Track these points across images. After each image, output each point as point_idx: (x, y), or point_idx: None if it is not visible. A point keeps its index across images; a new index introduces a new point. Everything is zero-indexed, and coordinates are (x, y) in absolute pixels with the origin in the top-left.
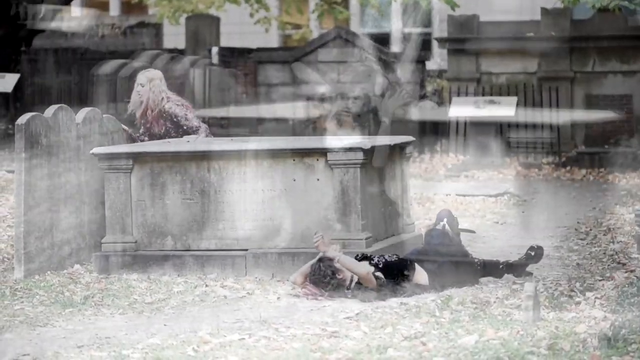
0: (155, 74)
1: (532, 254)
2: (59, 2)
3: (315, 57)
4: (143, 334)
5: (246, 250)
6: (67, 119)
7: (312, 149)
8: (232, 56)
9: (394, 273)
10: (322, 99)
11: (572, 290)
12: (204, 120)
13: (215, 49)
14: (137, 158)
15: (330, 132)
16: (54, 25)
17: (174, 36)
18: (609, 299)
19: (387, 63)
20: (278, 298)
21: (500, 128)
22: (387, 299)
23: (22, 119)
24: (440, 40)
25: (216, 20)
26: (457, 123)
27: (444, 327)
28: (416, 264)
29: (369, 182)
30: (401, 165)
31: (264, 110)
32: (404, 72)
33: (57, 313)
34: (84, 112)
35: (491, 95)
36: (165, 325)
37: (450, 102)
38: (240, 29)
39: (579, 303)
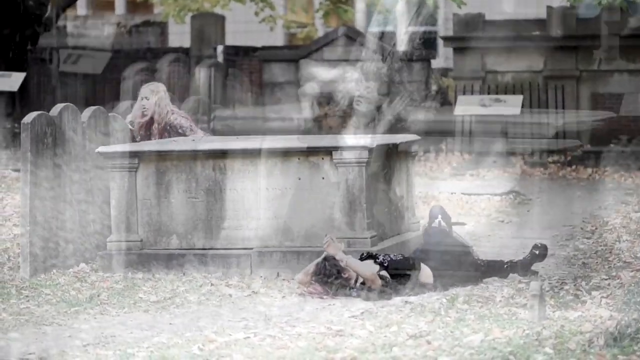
0: (159, 87)
1: (537, 252)
2: (65, 1)
3: (320, 55)
4: (148, 333)
5: (251, 249)
6: (73, 118)
7: (317, 147)
8: (237, 55)
9: (399, 272)
10: (328, 97)
11: (578, 289)
12: (209, 119)
13: (220, 48)
14: (143, 157)
15: (335, 130)
16: (60, 24)
17: (179, 35)
18: (615, 298)
19: (392, 62)
20: (283, 297)
21: (506, 126)
22: (392, 298)
23: (28, 118)
24: (446, 39)
25: (221, 19)
26: (463, 122)
27: (449, 326)
28: (421, 263)
29: (374, 180)
30: (406, 164)
31: (269, 109)
32: (409, 70)
33: (63, 312)
34: (89, 111)
35: (497, 93)
36: (170, 324)
37: (455, 101)
38: (245, 28)
39: (584, 302)
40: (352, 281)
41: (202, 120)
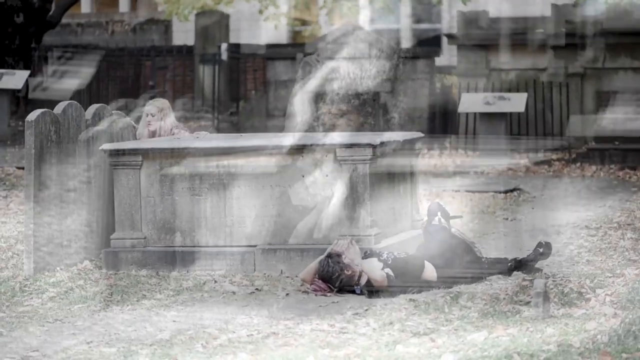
0: (164, 103)
1: (541, 250)
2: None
3: (324, 53)
4: (152, 330)
5: (255, 246)
6: (77, 116)
7: (321, 145)
8: (241, 53)
9: (403, 270)
10: (332, 95)
11: (582, 287)
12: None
13: (224, 46)
14: (146, 154)
15: (338, 128)
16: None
17: (183, 33)
18: (619, 296)
19: (396, 59)
20: (287, 294)
21: (510, 124)
22: (396, 296)
23: (32, 115)
24: (450, 37)
25: (225, 17)
26: (467, 119)
27: (453, 324)
28: (425, 261)
29: (378, 178)
30: (410, 161)
31: (273, 106)
32: (413, 68)
33: (67, 309)
34: (93, 108)
35: (501, 91)
36: (174, 321)
37: (459, 98)
38: (249, 26)
39: (589, 300)
40: (356, 278)
41: (206, 118)
